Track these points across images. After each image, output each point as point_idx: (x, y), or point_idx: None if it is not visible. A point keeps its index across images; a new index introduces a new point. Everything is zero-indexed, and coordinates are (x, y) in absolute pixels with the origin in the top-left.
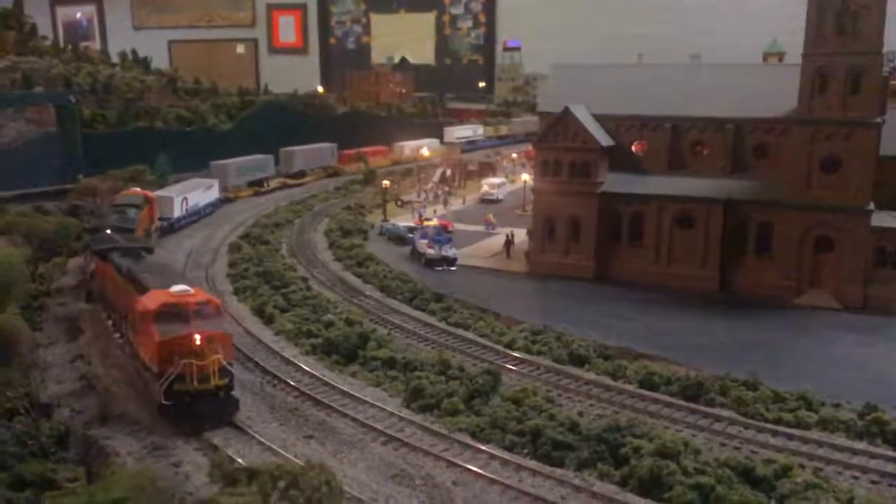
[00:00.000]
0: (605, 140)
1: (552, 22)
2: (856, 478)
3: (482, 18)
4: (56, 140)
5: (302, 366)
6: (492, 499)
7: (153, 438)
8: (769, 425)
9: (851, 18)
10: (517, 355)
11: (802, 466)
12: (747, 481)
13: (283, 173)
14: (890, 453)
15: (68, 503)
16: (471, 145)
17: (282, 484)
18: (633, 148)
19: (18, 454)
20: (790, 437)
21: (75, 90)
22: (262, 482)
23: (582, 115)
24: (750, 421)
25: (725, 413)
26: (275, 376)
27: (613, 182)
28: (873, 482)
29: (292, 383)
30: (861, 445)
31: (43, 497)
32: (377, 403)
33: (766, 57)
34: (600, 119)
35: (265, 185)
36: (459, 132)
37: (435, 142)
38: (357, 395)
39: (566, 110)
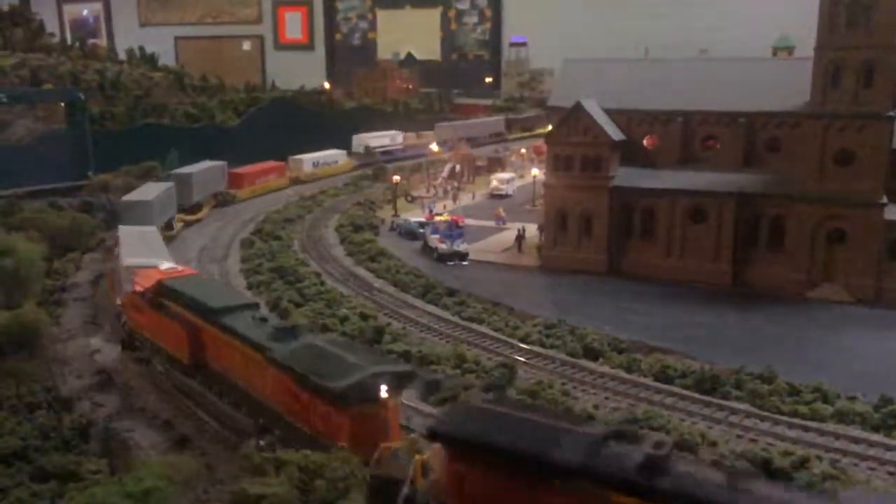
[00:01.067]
0: (616, 134)
1: (558, 17)
2: (872, 469)
3: (488, 14)
4: (65, 137)
5: None
6: None
7: (175, 431)
8: (785, 418)
9: (864, 11)
10: (529, 348)
11: (819, 458)
12: (765, 473)
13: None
14: None
15: (99, 492)
16: (387, 156)
17: (308, 473)
18: (645, 142)
19: (41, 447)
20: (806, 429)
21: (83, 87)
22: (289, 472)
23: (593, 109)
24: (766, 413)
25: (741, 406)
26: None
27: (625, 176)
28: (890, 473)
29: None
30: (877, 437)
31: (66, 489)
32: None
33: (775, 52)
34: (611, 113)
35: (173, 227)
36: (372, 140)
37: (342, 153)
38: None
39: (577, 105)
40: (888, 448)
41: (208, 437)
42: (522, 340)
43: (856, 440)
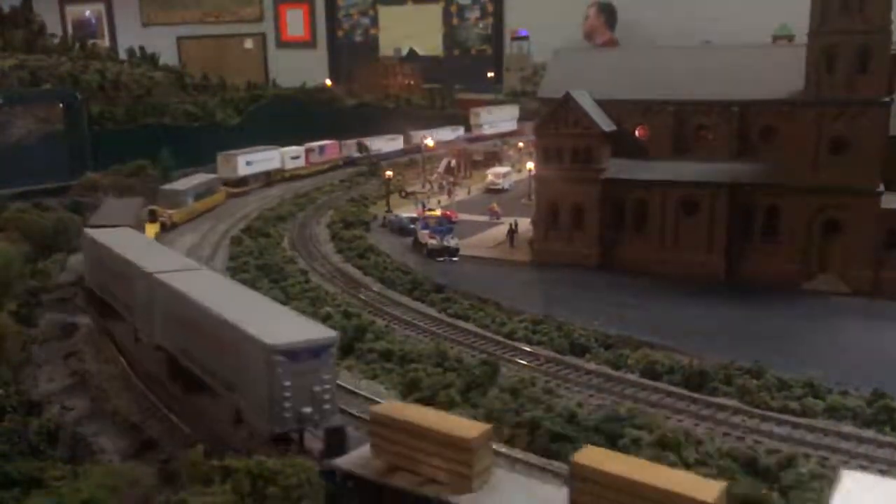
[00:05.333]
0: (607, 125)
1: (561, 10)
2: (863, 467)
3: (490, 8)
4: (63, 137)
5: None
6: None
7: (143, 436)
8: (774, 414)
9: None
10: (515, 345)
11: (807, 456)
12: (750, 472)
13: None
14: None
15: (35, 503)
16: None
17: (260, 482)
18: (636, 133)
19: (7, 453)
20: (795, 425)
21: (83, 87)
22: (237, 480)
23: (583, 100)
24: (754, 410)
25: (729, 402)
26: None
27: (616, 168)
28: (881, 471)
29: None
30: (869, 434)
31: (29, 496)
32: (372, 396)
33: (774, 40)
34: (602, 104)
35: None
36: None
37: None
38: (352, 388)
39: (567, 96)
40: (880, 445)
41: (177, 440)
42: (508, 337)
43: (846, 437)
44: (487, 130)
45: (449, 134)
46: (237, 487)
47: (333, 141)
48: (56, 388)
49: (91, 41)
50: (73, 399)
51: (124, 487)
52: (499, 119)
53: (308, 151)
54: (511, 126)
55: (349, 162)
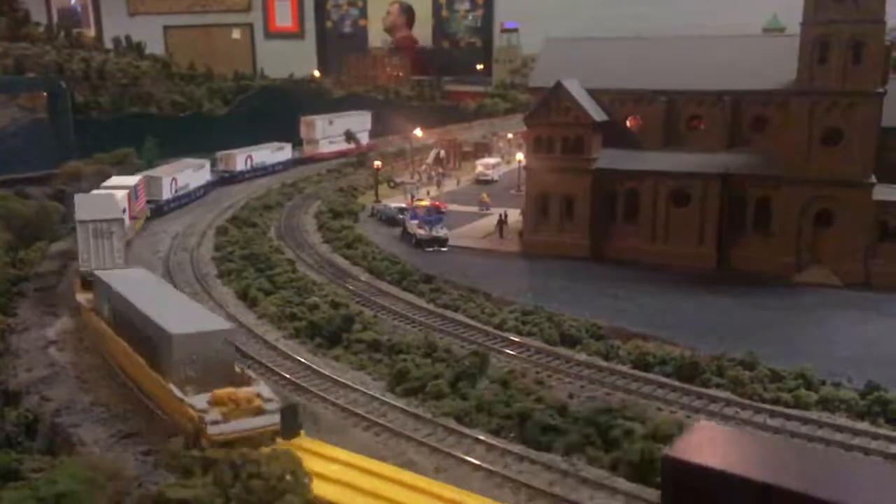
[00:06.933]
0: (598, 115)
1: (550, 3)
2: None
3: (480, 0)
4: (48, 126)
5: (284, 349)
6: (475, 485)
7: (122, 426)
8: (767, 405)
9: None
10: (504, 335)
11: None
12: None
13: None
14: (893, 433)
15: (8, 497)
16: None
17: (243, 473)
18: (628, 123)
19: None
20: (788, 417)
21: (68, 76)
22: (218, 472)
23: (574, 89)
24: (747, 401)
25: (722, 394)
26: (255, 360)
27: (608, 158)
28: None
29: (273, 367)
30: (863, 426)
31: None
32: (360, 387)
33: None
34: (594, 94)
35: None
36: None
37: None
38: (339, 378)
39: (558, 84)
40: (874, 437)
41: (159, 431)
42: (498, 328)
43: (840, 428)
44: (326, 148)
45: (269, 155)
46: (219, 479)
47: (140, 176)
48: (35, 378)
49: (76, 30)
50: (51, 390)
51: (103, 480)
52: (342, 132)
53: (129, 197)
54: (361, 140)
55: (158, 209)
